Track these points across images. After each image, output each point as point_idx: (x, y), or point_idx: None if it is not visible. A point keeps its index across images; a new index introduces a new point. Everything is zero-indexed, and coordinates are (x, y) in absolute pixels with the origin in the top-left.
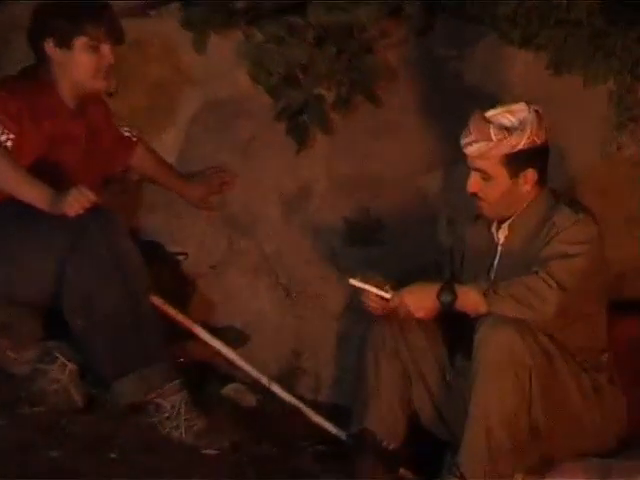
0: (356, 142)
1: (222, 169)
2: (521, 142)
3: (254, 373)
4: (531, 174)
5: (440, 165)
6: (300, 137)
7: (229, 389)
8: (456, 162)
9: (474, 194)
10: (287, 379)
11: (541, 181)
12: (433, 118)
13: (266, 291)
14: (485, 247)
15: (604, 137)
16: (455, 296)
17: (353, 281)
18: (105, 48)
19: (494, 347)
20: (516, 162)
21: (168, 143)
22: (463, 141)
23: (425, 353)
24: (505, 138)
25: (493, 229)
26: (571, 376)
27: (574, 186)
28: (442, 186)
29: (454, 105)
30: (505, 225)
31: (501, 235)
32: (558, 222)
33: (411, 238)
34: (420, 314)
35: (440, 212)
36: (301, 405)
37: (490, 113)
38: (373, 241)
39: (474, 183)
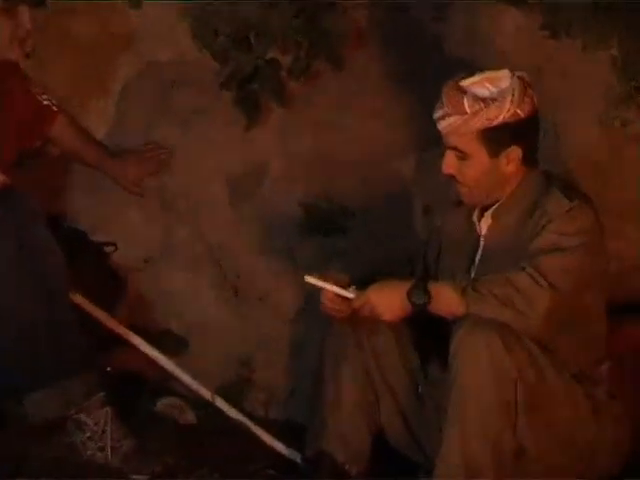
0: (317, 115)
1: (159, 145)
2: (500, 115)
3: (194, 385)
4: (514, 152)
5: (416, 144)
6: (251, 109)
7: (164, 404)
8: (434, 141)
9: (450, 176)
10: (233, 392)
11: (529, 161)
12: (408, 88)
13: (209, 289)
14: (465, 239)
15: (606, 111)
16: (429, 296)
17: (310, 278)
18: (22, 11)
19: (473, 355)
20: (496, 138)
21: (97, 114)
22: (435, 115)
23: (394, 362)
24: (481, 110)
25: (474, 218)
26: (563, 390)
27: (570, 168)
28: (418, 168)
29: (433, 73)
30: (488, 213)
31: (484, 225)
32: (550, 210)
33: (380, 228)
34: (388, 317)
35: (415, 198)
36: (249, 422)
37: (465, 82)
38: (336, 231)
39: (449, 163)
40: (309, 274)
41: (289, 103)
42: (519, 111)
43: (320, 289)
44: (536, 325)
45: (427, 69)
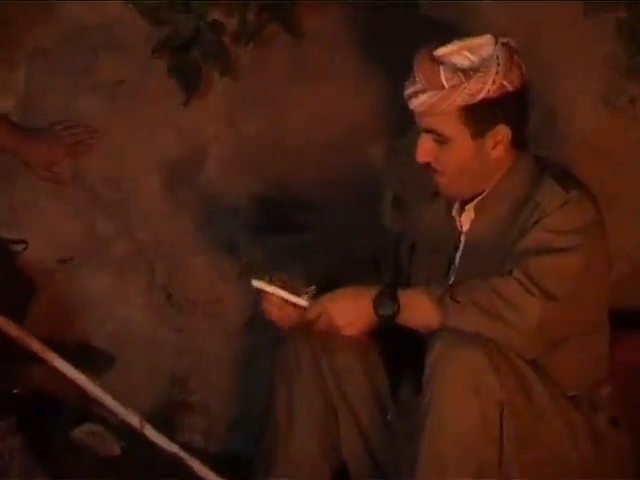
0: (268, 89)
1: (78, 123)
2: (484, 88)
3: (119, 409)
4: (502, 133)
5: (387, 126)
6: (189, 80)
7: (83, 431)
8: (408, 123)
9: (426, 164)
10: (166, 417)
11: (518, 144)
12: (379, 59)
13: (138, 294)
14: (444, 236)
15: (610, 85)
16: (398, 305)
17: (258, 282)
18: None
19: (451, 375)
20: (480, 116)
21: (8, 85)
22: (406, 92)
23: (358, 383)
24: (461, 83)
25: (455, 212)
26: (557, 416)
27: (567, 153)
28: (388, 153)
29: (408, 41)
30: (471, 207)
31: (465, 220)
32: (543, 202)
33: (343, 224)
34: (349, 331)
35: (385, 189)
36: (184, 453)
37: (440, 51)
38: (291, 228)
39: (424, 149)
40: (257, 278)
41: (235, 74)
42: (506, 83)
43: (269, 296)
44: (526, 340)
45: (402, 35)
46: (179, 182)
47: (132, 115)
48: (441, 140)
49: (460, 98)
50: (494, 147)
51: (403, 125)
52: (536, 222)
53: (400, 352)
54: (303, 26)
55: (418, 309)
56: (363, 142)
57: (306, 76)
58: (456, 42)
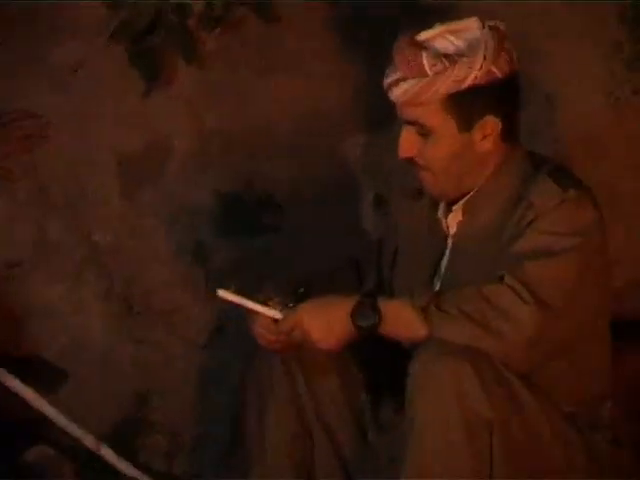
0: (237, 79)
1: (30, 114)
2: (470, 74)
3: (74, 429)
4: (491, 124)
5: (366, 118)
6: (150, 68)
7: (33, 453)
8: (389, 115)
9: (409, 160)
10: (125, 437)
11: (509, 137)
12: (358, 45)
13: (94, 303)
14: (428, 240)
15: (612, 75)
16: (379, 316)
17: (223, 292)
18: None
19: (436, 391)
20: (467, 106)
21: None
22: (386, 81)
23: (335, 401)
24: (446, 69)
25: (441, 213)
26: (553, 435)
27: (564, 148)
28: (368, 148)
29: (391, 26)
30: (458, 207)
31: (452, 222)
32: (537, 202)
33: (318, 226)
34: (325, 344)
35: (363, 187)
36: (145, 477)
37: (422, 35)
38: (261, 229)
39: (407, 143)
40: (223, 287)
41: (201, 61)
42: (494, 69)
43: (237, 306)
44: (519, 352)
45: (387, 21)
46: (140, 180)
47: (88, 106)
48: (425, 132)
49: (445, 86)
50: (482, 139)
51: (383, 117)
52: (530, 223)
53: (381, 365)
54: (276, 9)
55: (401, 320)
56: (340, 136)
57: (279, 64)
58: (439, 26)
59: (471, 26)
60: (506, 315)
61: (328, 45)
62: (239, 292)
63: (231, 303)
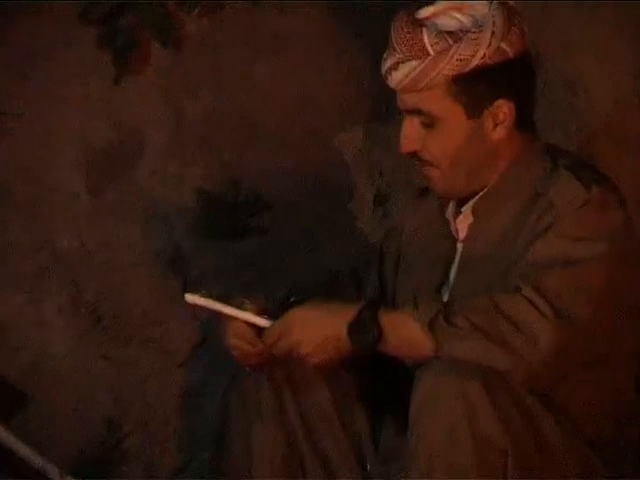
0: (219, 65)
1: None
2: (478, 52)
3: (36, 459)
4: (504, 110)
5: (362, 109)
6: (122, 52)
7: None
8: (389, 105)
9: (412, 154)
10: (95, 468)
11: (524, 126)
12: (354, 29)
13: (60, 316)
14: (436, 244)
15: None
16: (379, 329)
17: (192, 297)
18: None
19: (445, 414)
20: (475, 89)
21: None
22: (384, 66)
23: (329, 426)
24: (449, 48)
25: (449, 214)
26: (573, 460)
27: (588, 140)
28: (366, 143)
29: (390, 7)
30: (468, 207)
31: (462, 224)
32: (557, 202)
33: (311, 227)
34: (317, 359)
35: (363, 186)
36: None
37: (423, 12)
38: (247, 232)
39: (410, 135)
40: (193, 291)
41: (179, 45)
42: (505, 46)
43: (227, 317)
44: (537, 371)
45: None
46: (110, 177)
47: (53, 95)
48: (429, 122)
49: (449, 66)
50: (495, 127)
51: (383, 108)
52: (549, 227)
53: (379, 382)
54: None
55: (404, 334)
56: (335, 129)
57: (265, 49)
58: (442, 2)
59: (478, 2)
60: (522, 329)
61: (320, 28)
62: (213, 297)
63: (206, 310)
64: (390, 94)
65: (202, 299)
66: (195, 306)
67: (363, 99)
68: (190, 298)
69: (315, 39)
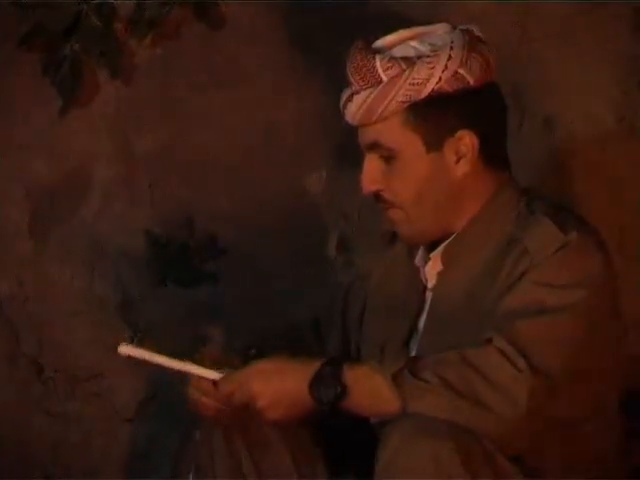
0: (172, 97)
1: None
2: (433, 76)
3: None
4: (465, 141)
5: (328, 144)
6: (67, 82)
7: None
8: (356, 148)
9: (376, 195)
10: None
11: (492, 163)
12: (320, 57)
13: None
14: (404, 294)
15: (625, 93)
16: (343, 385)
17: (126, 348)
18: None
19: (414, 476)
20: (432, 118)
21: None
22: (341, 100)
23: None
24: (402, 72)
25: (418, 261)
26: None
27: (566, 181)
28: (331, 180)
29: (361, 32)
30: (437, 253)
31: (431, 271)
32: (532, 247)
33: (271, 274)
34: (274, 414)
35: (329, 228)
36: None
37: (380, 42)
38: (199, 278)
39: (371, 173)
40: (129, 341)
41: (129, 74)
42: (464, 72)
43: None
44: (511, 429)
45: (358, 26)
46: (53, 217)
47: None
48: (389, 156)
49: (402, 92)
50: (457, 162)
51: (351, 146)
52: (524, 274)
53: (343, 444)
54: (221, 12)
55: (369, 390)
56: (299, 167)
57: (223, 78)
58: (402, 31)
59: (439, 30)
60: (495, 384)
61: (282, 56)
62: (154, 347)
63: (146, 363)
64: (356, 134)
65: (138, 350)
66: (132, 358)
67: (330, 135)
68: (124, 349)
69: (278, 68)
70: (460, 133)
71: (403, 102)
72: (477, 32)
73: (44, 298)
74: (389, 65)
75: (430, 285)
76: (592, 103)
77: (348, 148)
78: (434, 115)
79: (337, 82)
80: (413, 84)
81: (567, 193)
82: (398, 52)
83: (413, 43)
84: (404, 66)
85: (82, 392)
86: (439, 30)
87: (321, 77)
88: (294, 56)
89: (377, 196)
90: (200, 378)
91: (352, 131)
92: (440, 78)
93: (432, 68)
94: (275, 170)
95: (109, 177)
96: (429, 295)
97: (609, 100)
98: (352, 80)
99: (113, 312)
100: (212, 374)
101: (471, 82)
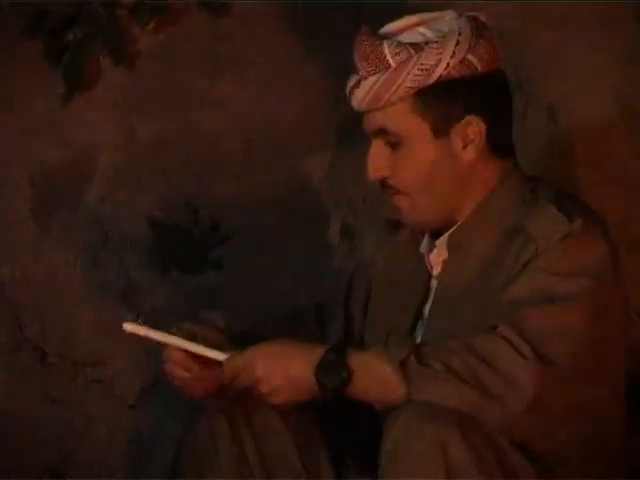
0: (176, 82)
1: None
2: (441, 62)
3: None
4: (473, 126)
5: (332, 131)
6: (71, 69)
7: None
8: (362, 129)
9: (382, 182)
10: None
11: (498, 149)
12: (324, 46)
13: None
14: (409, 281)
15: (630, 82)
16: (348, 371)
17: (132, 326)
18: None
19: (418, 464)
20: (440, 103)
21: None
22: (348, 87)
23: (291, 471)
24: (411, 57)
25: (424, 248)
26: None
27: (570, 169)
28: (334, 168)
29: (366, 22)
30: (442, 241)
31: (437, 259)
32: (537, 235)
33: (274, 260)
34: (278, 398)
35: (331, 215)
36: None
37: (386, 28)
38: (203, 264)
39: (377, 159)
40: (134, 320)
41: (132, 62)
42: (471, 58)
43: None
44: (516, 418)
45: (362, 17)
46: (57, 203)
47: None
48: (395, 142)
49: (411, 77)
50: (465, 148)
51: (354, 132)
52: (529, 262)
53: (347, 430)
54: (228, 4)
55: (374, 376)
56: (302, 153)
57: (226, 66)
58: (409, 17)
59: (445, 17)
60: (500, 372)
61: (287, 44)
62: (155, 327)
63: (149, 341)
64: (359, 120)
65: (143, 329)
66: (136, 337)
67: (333, 122)
68: (129, 327)
69: (282, 56)
70: (467, 119)
71: (411, 88)
72: (483, 18)
73: (47, 284)
74: (398, 50)
75: (435, 273)
76: (595, 90)
77: (351, 134)
78: (442, 101)
79: (340, 69)
80: (421, 69)
81: (570, 181)
82: (406, 38)
83: (420, 29)
84: (413, 52)
85: (85, 378)
86: (446, 17)
87: (324, 64)
88: (297, 43)
89: (383, 182)
90: (180, 351)
91: (355, 117)
92: (448, 64)
93: (440, 54)
94: (278, 157)
95: (112, 163)
96: (434, 282)
97: (613, 87)
98: (359, 66)
99: (116, 298)
100: (218, 354)
101: (479, 68)
